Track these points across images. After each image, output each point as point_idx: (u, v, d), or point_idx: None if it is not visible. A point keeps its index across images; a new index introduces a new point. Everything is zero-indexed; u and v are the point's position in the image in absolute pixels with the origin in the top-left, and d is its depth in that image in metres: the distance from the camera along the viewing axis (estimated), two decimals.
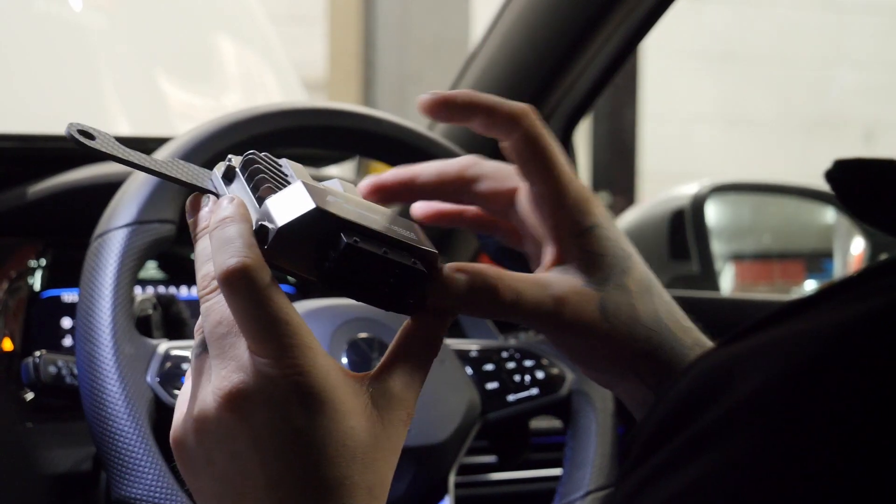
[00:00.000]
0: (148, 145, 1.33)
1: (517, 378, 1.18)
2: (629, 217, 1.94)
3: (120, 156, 0.63)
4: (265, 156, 0.66)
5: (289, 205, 0.60)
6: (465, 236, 1.59)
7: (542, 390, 1.18)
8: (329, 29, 5.07)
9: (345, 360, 1.05)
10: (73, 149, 1.35)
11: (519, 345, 1.21)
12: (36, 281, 1.38)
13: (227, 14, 2.46)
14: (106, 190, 1.17)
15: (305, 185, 0.61)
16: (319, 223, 0.60)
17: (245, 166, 0.65)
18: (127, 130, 1.92)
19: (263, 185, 0.63)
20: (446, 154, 1.20)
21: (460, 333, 1.27)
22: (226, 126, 1.14)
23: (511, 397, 1.17)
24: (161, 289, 1.42)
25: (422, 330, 0.63)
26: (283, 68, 2.38)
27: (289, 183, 0.63)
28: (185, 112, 2.11)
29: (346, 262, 0.60)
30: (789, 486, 0.41)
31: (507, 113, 0.70)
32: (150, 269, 1.44)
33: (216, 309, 0.60)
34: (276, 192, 0.62)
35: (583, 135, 4.44)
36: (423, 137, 1.23)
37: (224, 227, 0.60)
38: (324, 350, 0.61)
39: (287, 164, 0.66)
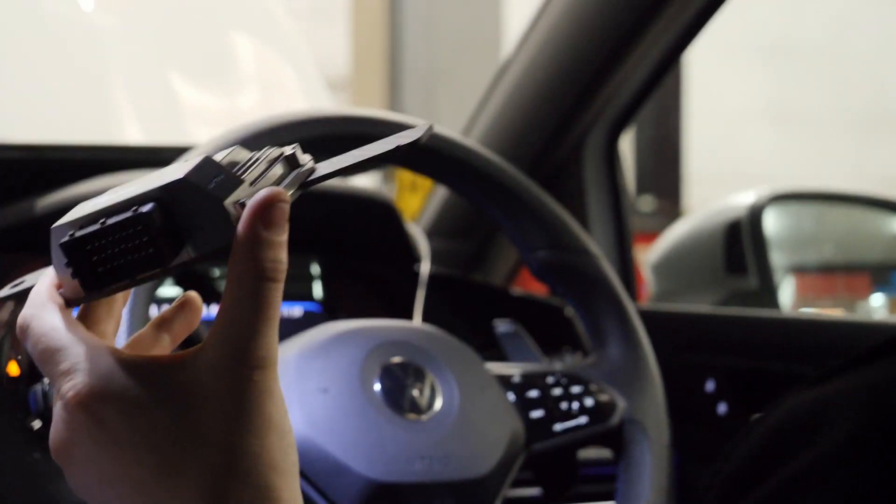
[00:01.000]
0: (162, 154, 1.37)
1: (564, 405, 1.17)
2: (681, 228, 1.96)
3: None
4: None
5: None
6: (505, 248, 1.61)
7: (592, 419, 1.17)
8: (353, 25, 5.11)
9: (378, 388, 1.06)
10: (85, 159, 1.34)
11: (565, 369, 1.20)
12: None
13: (245, 11, 2.47)
14: None
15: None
16: (56, 239, 0.60)
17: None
18: (140, 138, 1.95)
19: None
20: (482, 161, 1.20)
21: (501, 357, 1.27)
22: (248, 135, 1.13)
23: (558, 426, 1.16)
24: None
25: (241, 264, 0.57)
26: (305, 68, 2.37)
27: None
28: (202, 117, 2.12)
29: (78, 260, 0.59)
30: None
31: None
32: (167, 287, 1.43)
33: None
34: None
35: (627, 140, 4.48)
36: (459, 147, 1.21)
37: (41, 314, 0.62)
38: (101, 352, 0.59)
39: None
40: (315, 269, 1.42)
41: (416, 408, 1.07)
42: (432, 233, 1.70)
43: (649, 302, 1.84)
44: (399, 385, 1.07)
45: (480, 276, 1.61)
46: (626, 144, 4.51)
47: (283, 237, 0.56)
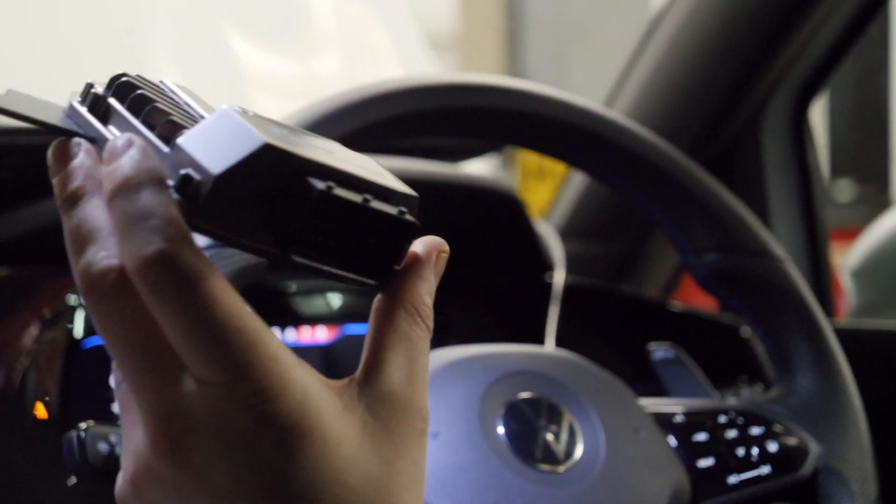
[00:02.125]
0: None
1: (741, 452, 1.16)
2: (890, 223, 1.95)
3: None
4: (138, 77, 0.64)
5: (220, 143, 0.58)
6: (663, 251, 1.61)
7: (777, 468, 1.16)
8: None
9: (502, 430, 1.06)
10: None
11: (741, 406, 1.19)
12: (76, 324, 1.37)
13: None
14: None
15: (236, 111, 0.59)
16: (274, 165, 0.58)
17: (120, 93, 0.63)
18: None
19: (162, 118, 0.60)
20: (631, 140, 1.21)
21: (660, 390, 1.27)
22: (337, 109, 1.13)
23: (733, 478, 1.15)
24: None
25: (407, 300, 0.63)
26: (400, 22, 2.37)
27: (196, 113, 0.62)
28: (269, 85, 2.14)
29: (316, 218, 0.58)
30: None
31: None
32: None
33: (123, 319, 0.58)
34: (189, 126, 0.59)
35: (819, 108, 4.45)
36: (601, 120, 1.21)
37: (128, 192, 0.57)
38: (296, 359, 0.59)
39: (175, 89, 0.65)
40: None
41: (551, 456, 1.07)
42: (567, 233, 1.71)
43: (849, 318, 1.84)
44: (529, 428, 1.07)
45: (630, 288, 1.63)
46: (818, 114, 4.51)
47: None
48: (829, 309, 1.78)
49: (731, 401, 1.25)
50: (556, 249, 1.49)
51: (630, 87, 1.73)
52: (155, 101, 0.61)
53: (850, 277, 1.89)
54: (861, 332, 1.62)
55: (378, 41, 2.38)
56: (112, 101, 0.62)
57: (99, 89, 0.63)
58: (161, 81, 0.66)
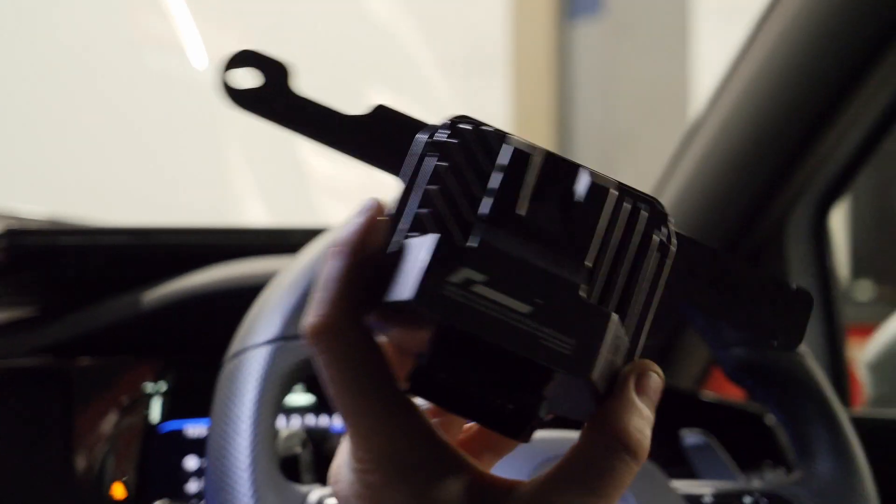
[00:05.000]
0: (290, 238, 1.42)
1: None
2: None
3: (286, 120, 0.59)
4: (485, 126, 0.59)
5: (404, 268, 0.56)
6: (694, 345, 1.60)
7: None
8: (515, 79, 5.09)
9: None
10: (198, 243, 1.36)
11: (765, 488, 1.18)
12: (153, 410, 1.42)
13: (384, 65, 2.51)
14: (242, 296, 1.20)
15: (441, 241, 0.54)
16: (418, 314, 0.55)
17: (450, 138, 0.59)
18: (262, 218, 1.98)
19: (450, 185, 0.57)
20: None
21: (690, 473, 1.27)
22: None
23: None
24: (311, 419, 1.44)
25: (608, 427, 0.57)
26: None
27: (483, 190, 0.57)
28: (334, 192, 2.16)
29: (440, 363, 0.56)
30: None
31: None
32: (298, 395, 1.45)
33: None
34: (426, 227, 0.56)
35: (841, 213, 4.42)
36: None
37: (329, 257, 0.57)
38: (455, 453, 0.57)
39: (514, 145, 0.58)
40: None
41: None
42: None
43: (866, 408, 1.83)
44: None
45: (666, 380, 1.60)
46: (839, 219, 4.48)
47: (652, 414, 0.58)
48: (846, 399, 1.78)
49: (756, 483, 1.25)
50: None
51: (668, 191, 1.72)
52: (467, 162, 0.57)
53: (866, 370, 1.89)
54: (877, 422, 1.62)
55: None
56: (441, 145, 0.58)
57: (443, 135, 0.59)
58: (510, 136, 0.59)
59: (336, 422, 1.44)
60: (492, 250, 0.55)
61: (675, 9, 4.82)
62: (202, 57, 2.35)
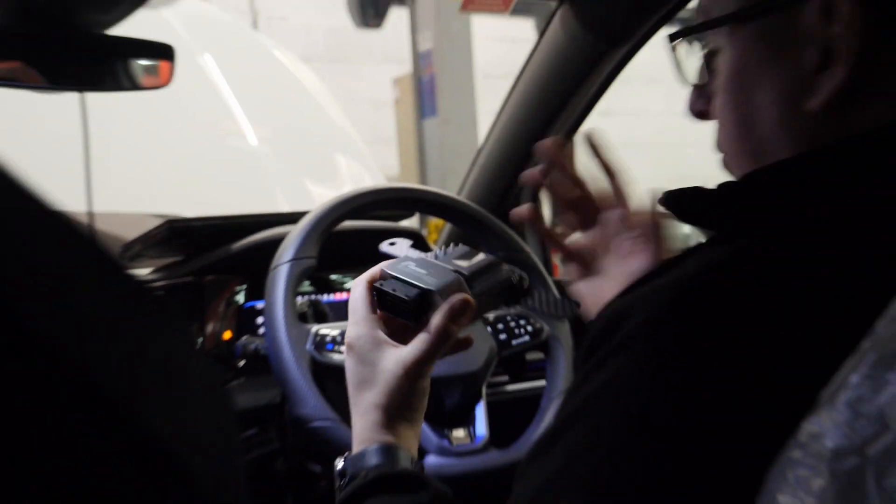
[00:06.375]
0: (296, 217, 1.58)
1: (517, 331, 1.53)
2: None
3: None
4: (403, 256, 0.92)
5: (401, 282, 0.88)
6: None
7: (532, 337, 1.53)
8: (398, 145, 8.05)
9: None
10: (253, 222, 1.97)
11: (516, 312, 1.55)
12: (241, 297, 1.72)
13: (338, 141, 3.49)
14: (277, 243, 1.45)
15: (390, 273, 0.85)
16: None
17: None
18: (286, 208, 2.59)
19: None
20: (468, 210, 1.55)
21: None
22: (343, 199, 1.46)
23: (514, 342, 1.51)
24: (311, 296, 1.73)
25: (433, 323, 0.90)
26: (372, 169, 3.33)
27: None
28: (319, 198, 2.79)
29: (381, 299, 0.89)
30: (659, 385, 0.61)
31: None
32: (305, 286, 1.77)
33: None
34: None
35: None
36: (455, 201, 1.56)
37: (357, 286, 0.94)
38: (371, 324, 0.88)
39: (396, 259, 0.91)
40: None
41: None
42: (445, 243, 2.14)
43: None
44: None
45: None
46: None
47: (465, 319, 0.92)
48: (550, 271, 2.13)
49: (512, 310, 1.57)
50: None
51: (469, 183, 2.14)
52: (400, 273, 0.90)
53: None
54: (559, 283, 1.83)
55: (366, 179, 3.44)
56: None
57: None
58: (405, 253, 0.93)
59: (323, 297, 1.77)
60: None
61: (469, 110, 7.58)
62: None
